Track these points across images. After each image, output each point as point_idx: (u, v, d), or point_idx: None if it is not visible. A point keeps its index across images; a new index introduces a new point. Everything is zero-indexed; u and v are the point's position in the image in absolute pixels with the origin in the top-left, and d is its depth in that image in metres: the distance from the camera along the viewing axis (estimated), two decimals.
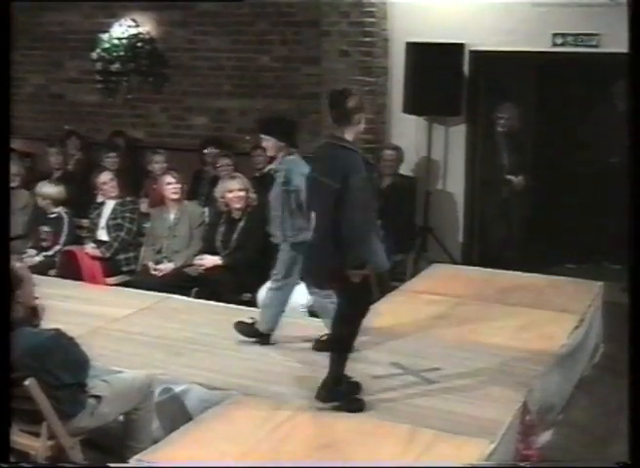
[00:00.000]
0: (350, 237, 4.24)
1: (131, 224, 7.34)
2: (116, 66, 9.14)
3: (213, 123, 9.19)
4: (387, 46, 8.04)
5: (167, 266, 6.97)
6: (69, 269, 7.08)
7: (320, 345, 5.16)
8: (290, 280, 5.33)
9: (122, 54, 9.08)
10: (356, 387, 4.57)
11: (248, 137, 8.54)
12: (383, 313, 5.90)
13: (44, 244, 7.41)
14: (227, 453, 3.91)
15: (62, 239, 7.42)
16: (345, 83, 8.01)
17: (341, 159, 4.33)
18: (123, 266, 7.26)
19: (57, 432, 4.01)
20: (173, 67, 9.25)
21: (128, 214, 7.36)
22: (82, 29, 9.54)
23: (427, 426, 4.20)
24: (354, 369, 4.66)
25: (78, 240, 7.45)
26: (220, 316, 5.89)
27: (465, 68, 7.75)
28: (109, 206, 7.43)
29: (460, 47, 7.65)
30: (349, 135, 4.43)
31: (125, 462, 3.97)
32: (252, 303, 6.25)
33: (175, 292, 6.49)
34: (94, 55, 9.20)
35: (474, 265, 7.31)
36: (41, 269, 6.91)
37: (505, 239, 7.95)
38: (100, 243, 7.28)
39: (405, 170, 7.99)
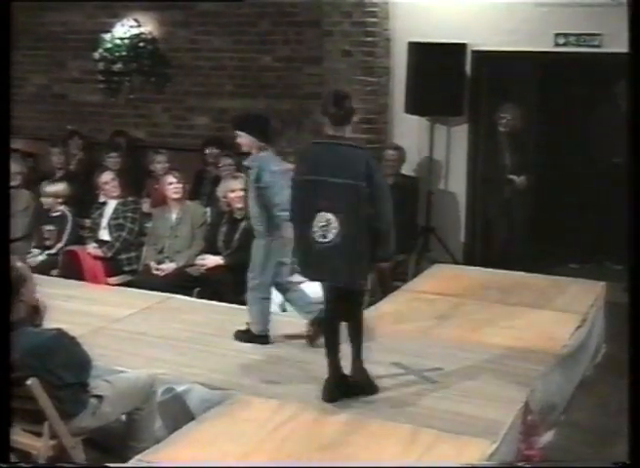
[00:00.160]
0: (386, 231, 4.40)
1: (132, 224, 7.35)
2: (118, 66, 9.13)
3: (215, 123, 9.19)
4: (389, 46, 8.03)
5: (169, 266, 6.97)
6: (71, 269, 7.08)
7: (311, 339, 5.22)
8: (264, 278, 5.37)
9: (124, 54, 9.08)
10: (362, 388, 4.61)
11: None
12: (385, 313, 5.90)
13: (47, 243, 7.42)
14: (229, 453, 3.91)
15: (66, 237, 7.43)
16: (348, 83, 8.03)
17: (358, 158, 4.37)
18: (125, 266, 7.27)
19: (58, 432, 4.02)
20: (175, 67, 9.25)
21: (130, 214, 7.36)
22: (84, 29, 9.55)
23: (429, 426, 4.20)
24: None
25: (81, 239, 7.46)
26: (221, 316, 5.89)
27: (468, 68, 7.75)
28: (111, 206, 7.43)
29: (462, 47, 7.65)
30: (348, 134, 4.48)
31: (127, 462, 3.97)
32: None
33: (176, 292, 6.49)
34: (96, 55, 9.20)
35: (476, 265, 7.31)
36: (43, 269, 6.92)
37: (507, 239, 7.95)
38: (101, 243, 7.29)
39: (407, 170, 7.99)
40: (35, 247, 7.43)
